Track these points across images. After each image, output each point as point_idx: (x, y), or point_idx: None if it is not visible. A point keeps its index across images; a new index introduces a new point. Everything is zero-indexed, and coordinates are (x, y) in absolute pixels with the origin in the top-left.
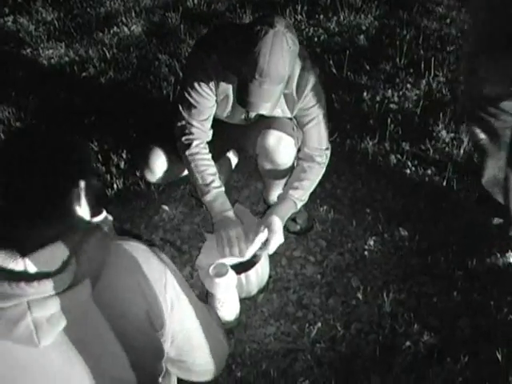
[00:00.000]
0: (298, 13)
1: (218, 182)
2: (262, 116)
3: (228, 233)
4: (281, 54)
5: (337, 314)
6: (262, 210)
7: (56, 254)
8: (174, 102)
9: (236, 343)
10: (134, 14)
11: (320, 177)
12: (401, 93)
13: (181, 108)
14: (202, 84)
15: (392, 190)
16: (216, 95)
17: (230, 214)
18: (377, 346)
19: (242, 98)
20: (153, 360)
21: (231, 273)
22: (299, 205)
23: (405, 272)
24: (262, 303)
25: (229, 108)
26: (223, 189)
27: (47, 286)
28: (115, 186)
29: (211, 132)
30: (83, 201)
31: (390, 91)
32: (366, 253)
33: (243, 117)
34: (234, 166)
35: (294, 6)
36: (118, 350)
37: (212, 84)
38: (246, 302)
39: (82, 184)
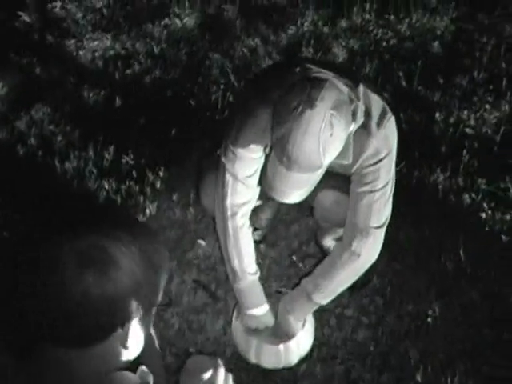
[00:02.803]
0: (366, 11)
1: (255, 267)
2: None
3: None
4: (316, 142)
5: None
6: (313, 252)
7: None
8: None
9: None
10: (187, 5)
11: (358, 272)
12: (478, 114)
13: (224, 160)
14: (250, 137)
15: (463, 237)
16: (266, 148)
17: (265, 313)
18: None
19: (266, 180)
20: None
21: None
22: (324, 302)
23: (474, 346)
24: (302, 375)
25: None
26: (258, 275)
27: None
28: (147, 210)
29: (259, 189)
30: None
31: (465, 112)
32: (429, 319)
33: None
34: None
35: (362, 3)
36: None
37: (262, 137)
38: (284, 374)
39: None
